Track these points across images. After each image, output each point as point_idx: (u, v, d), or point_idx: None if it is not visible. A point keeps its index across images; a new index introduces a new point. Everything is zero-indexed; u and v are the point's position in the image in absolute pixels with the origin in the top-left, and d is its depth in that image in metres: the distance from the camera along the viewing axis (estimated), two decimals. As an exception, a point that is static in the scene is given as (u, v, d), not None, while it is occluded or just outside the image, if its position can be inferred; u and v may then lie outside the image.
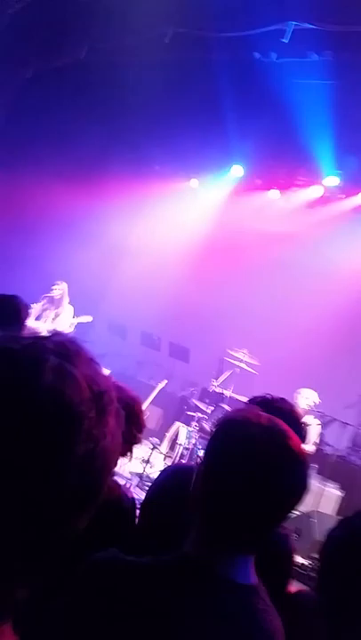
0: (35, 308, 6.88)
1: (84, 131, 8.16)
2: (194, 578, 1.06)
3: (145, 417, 2.07)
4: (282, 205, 8.93)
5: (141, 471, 6.32)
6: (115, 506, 1.71)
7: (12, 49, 7.43)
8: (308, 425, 6.05)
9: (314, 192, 8.53)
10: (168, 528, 1.17)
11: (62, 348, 0.65)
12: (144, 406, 2.63)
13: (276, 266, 8.90)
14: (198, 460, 1.19)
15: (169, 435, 7.13)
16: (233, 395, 6.91)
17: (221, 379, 7.17)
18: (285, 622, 1.11)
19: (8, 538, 0.59)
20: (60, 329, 7.02)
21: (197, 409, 7.29)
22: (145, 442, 6.43)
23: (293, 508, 1.11)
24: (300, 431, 1.93)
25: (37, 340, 0.66)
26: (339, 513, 5.84)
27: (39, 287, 7.29)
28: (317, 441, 6.21)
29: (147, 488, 6.11)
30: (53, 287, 7.24)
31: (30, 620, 0.72)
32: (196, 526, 1.12)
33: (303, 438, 1.92)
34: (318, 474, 6.20)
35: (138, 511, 1.81)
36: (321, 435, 6.54)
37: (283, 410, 1.86)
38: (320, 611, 1.33)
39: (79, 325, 7.42)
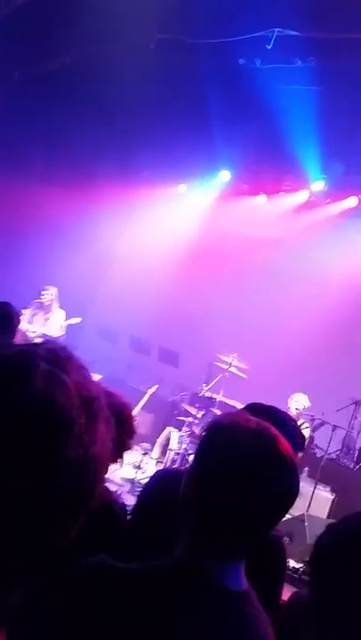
0: (25, 314, 6.86)
1: (72, 136, 8.15)
2: (184, 584, 1.06)
3: (135, 423, 2.07)
4: (269, 210, 8.98)
5: (133, 477, 6.30)
6: (105, 512, 1.70)
7: (0, 52, 7.42)
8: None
9: (300, 197, 8.59)
10: (158, 532, 1.17)
11: (53, 355, 0.66)
12: (134, 412, 2.63)
13: (264, 270, 8.94)
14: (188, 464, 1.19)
15: (160, 440, 7.12)
16: (223, 399, 6.91)
17: (212, 383, 7.17)
18: (277, 627, 1.12)
19: (8, 525, 0.59)
20: (50, 333, 7.02)
21: (188, 413, 7.29)
22: (136, 447, 6.41)
23: (284, 513, 1.11)
24: (299, 440, 1.93)
25: (28, 346, 0.67)
26: (330, 516, 5.85)
27: (29, 292, 7.27)
28: (307, 444, 6.24)
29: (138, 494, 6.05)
30: (43, 292, 7.23)
31: (22, 624, 0.72)
32: (186, 531, 1.12)
33: (300, 447, 1.92)
34: (309, 477, 6.21)
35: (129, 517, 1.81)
36: (312, 438, 6.57)
37: (281, 418, 1.86)
38: (310, 616, 1.33)
39: (69, 330, 7.41)
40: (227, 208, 9.21)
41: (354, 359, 7.78)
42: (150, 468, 6.78)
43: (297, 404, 6.32)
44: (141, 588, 1.04)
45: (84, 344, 7.52)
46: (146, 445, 7.30)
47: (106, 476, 0.81)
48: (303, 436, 1.94)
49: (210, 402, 7.03)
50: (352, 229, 8.09)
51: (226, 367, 6.99)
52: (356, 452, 6.88)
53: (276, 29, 6.49)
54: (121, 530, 1.72)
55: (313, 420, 6.48)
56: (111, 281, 9.99)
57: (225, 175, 8.89)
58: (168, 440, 6.80)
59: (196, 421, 6.98)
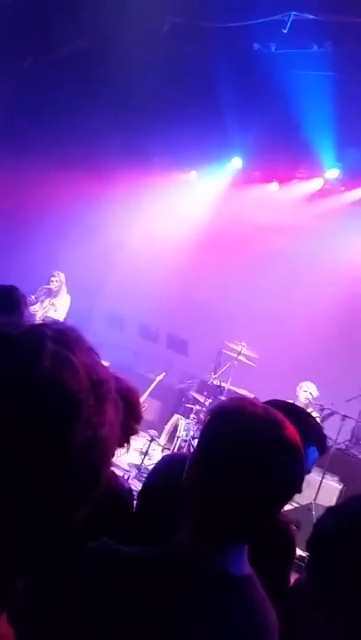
0: (33, 299, 6.89)
1: (83, 123, 8.10)
2: (187, 568, 1.05)
3: (143, 408, 2.06)
4: (282, 198, 8.90)
5: (140, 463, 6.33)
6: (112, 496, 1.70)
7: (9, 40, 7.36)
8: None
9: (314, 185, 8.50)
10: (164, 517, 1.16)
11: (61, 336, 0.64)
12: (142, 398, 2.62)
13: (275, 258, 8.88)
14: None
15: (167, 427, 7.14)
16: (232, 387, 6.90)
17: (220, 371, 7.16)
18: (282, 613, 1.11)
19: (8, 526, 0.58)
20: (56, 317, 7.05)
21: (196, 401, 7.30)
22: (143, 434, 6.44)
23: (288, 498, 1.09)
24: (324, 443, 1.91)
25: (36, 326, 0.65)
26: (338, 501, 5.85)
27: (38, 277, 7.29)
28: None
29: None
30: (52, 278, 7.24)
31: (25, 616, 0.71)
32: (189, 515, 1.11)
33: (324, 450, 1.90)
34: (317, 466, 6.21)
35: (135, 502, 1.81)
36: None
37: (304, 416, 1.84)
38: (308, 599, 1.32)
39: (77, 318, 7.41)
40: (238, 195, 9.13)
41: (365, 349, 7.74)
42: (157, 454, 6.80)
43: (306, 393, 6.31)
44: (143, 573, 1.03)
45: (93, 330, 7.54)
46: (153, 432, 7.32)
47: (112, 460, 0.80)
48: (326, 439, 1.91)
49: (218, 390, 7.02)
50: (366, 218, 8.02)
51: (235, 355, 6.97)
52: (365, 442, 6.86)
53: (293, 13, 6.37)
54: (127, 514, 1.72)
55: (322, 409, 6.46)
56: (121, 268, 9.98)
57: (237, 162, 8.81)
58: (176, 427, 6.82)
59: (204, 409, 6.98)
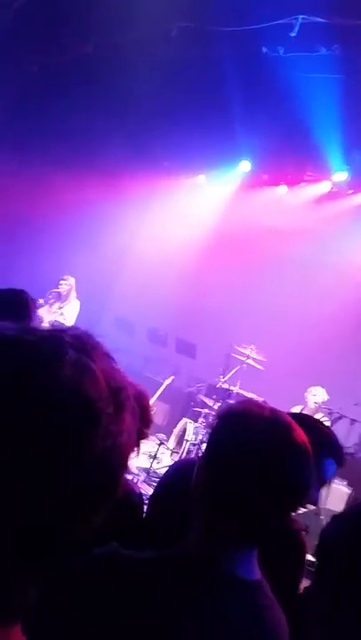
0: (42, 302, 6.90)
1: (90, 127, 8.14)
2: (195, 572, 1.05)
3: (152, 412, 2.06)
4: (290, 201, 8.88)
5: (149, 466, 6.33)
6: (122, 501, 1.70)
7: (17, 43, 7.42)
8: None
9: (322, 187, 8.48)
10: (174, 522, 1.16)
11: (80, 342, 0.64)
12: (151, 402, 2.62)
13: (283, 261, 8.86)
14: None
15: (176, 431, 7.13)
16: (240, 391, 6.89)
17: (229, 375, 7.15)
18: (292, 619, 1.10)
19: (24, 536, 0.57)
20: (64, 322, 7.05)
21: (204, 405, 7.28)
22: (152, 438, 6.43)
23: (297, 502, 1.09)
24: (342, 458, 1.91)
25: (55, 332, 0.65)
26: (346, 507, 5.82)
27: (46, 282, 7.31)
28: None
29: (154, 483, 6.10)
30: (61, 282, 7.25)
31: (32, 619, 0.71)
32: (198, 519, 1.10)
33: (342, 462, 1.90)
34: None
35: (145, 507, 1.81)
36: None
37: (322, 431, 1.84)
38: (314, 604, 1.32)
39: (85, 322, 7.41)
40: (246, 198, 9.13)
41: (374, 352, 7.70)
42: (166, 458, 6.80)
43: (315, 397, 6.28)
44: (150, 577, 1.03)
45: (102, 334, 7.53)
46: (162, 436, 7.32)
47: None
48: (343, 450, 1.91)
49: (227, 393, 7.01)
50: (374, 220, 7.99)
51: (244, 359, 6.96)
52: (374, 446, 6.81)
53: (301, 16, 6.37)
54: (138, 519, 1.72)
55: (331, 413, 6.43)
56: (129, 272, 10.00)
57: (245, 165, 8.81)
58: (184, 431, 6.81)
59: (213, 413, 6.97)
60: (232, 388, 6.91)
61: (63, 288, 7.21)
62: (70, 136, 8.27)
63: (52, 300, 7.22)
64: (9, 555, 0.57)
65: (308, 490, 1.10)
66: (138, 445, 1.97)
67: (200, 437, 6.58)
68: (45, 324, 6.80)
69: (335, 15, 6.20)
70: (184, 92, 7.62)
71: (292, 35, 6.59)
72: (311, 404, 6.27)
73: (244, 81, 7.21)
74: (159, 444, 6.57)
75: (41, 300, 6.85)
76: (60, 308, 7.23)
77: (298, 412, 6.35)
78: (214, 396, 7.38)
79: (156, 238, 9.72)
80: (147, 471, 6.30)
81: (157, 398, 7.13)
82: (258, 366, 6.99)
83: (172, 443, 7.04)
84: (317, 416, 6.32)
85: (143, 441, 2.03)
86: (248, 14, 6.51)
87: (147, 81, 7.38)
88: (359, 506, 1.10)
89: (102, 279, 9.36)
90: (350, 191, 8.30)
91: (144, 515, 1.74)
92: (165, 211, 9.57)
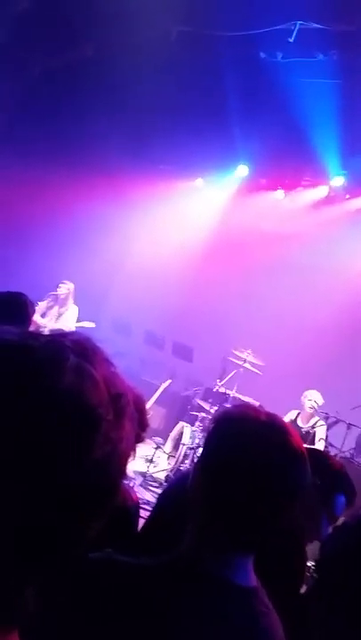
0: (40, 306, 6.87)
1: (87, 130, 8.15)
2: (190, 578, 1.04)
3: (149, 416, 2.05)
4: (287, 205, 8.91)
5: (145, 471, 6.32)
6: (118, 508, 1.69)
7: (18, 46, 7.43)
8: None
9: (319, 192, 8.51)
10: (177, 532, 1.16)
11: (80, 347, 0.63)
12: (148, 405, 2.61)
13: (280, 265, 8.87)
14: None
15: (173, 434, 7.12)
16: (237, 395, 6.89)
17: (226, 379, 7.15)
18: (290, 625, 1.09)
19: (23, 543, 0.57)
20: (62, 327, 7.03)
21: (201, 408, 7.28)
22: (148, 441, 6.42)
23: (294, 507, 1.09)
24: (353, 495, 1.92)
25: (56, 337, 0.64)
26: (344, 515, 5.80)
27: (44, 285, 7.30)
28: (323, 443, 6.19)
29: (150, 487, 6.08)
30: (60, 285, 7.23)
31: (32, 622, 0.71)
32: (193, 524, 1.10)
33: (353, 499, 1.92)
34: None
35: (141, 511, 1.81)
36: (326, 436, 6.51)
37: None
38: (324, 611, 1.32)
39: (84, 328, 7.39)
40: (244, 203, 9.15)
41: (370, 357, 7.71)
42: (162, 461, 6.79)
43: (311, 402, 6.27)
44: (146, 583, 1.02)
45: (99, 337, 7.52)
46: (158, 439, 7.31)
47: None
48: (355, 489, 1.93)
49: (223, 397, 7.01)
50: (372, 225, 8.02)
51: (240, 363, 6.96)
52: (371, 451, 6.81)
53: (299, 22, 6.41)
54: (133, 524, 1.71)
55: (327, 417, 6.43)
56: (127, 275, 10.00)
57: (243, 169, 8.83)
58: (181, 435, 6.80)
59: (210, 416, 6.96)
60: (229, 391, 6.91)
61: (62, 291, 7.20)
62: (68, 139, 8.27)
63: (51, 304, 7.20)
64: (9, 555, 0.57)
65: (305, 492, 1.09)
66: (134, 449, 1.96)
67: (197, 441, 6.57)
68: (44, 330, 6.78)
69: (333, 21, 6.24)
70: (182, 95, 7.65)
71: (290, 40, 6.63)
72: (307, 409, 6.27)
73: (242, 85, 7.24)
74: (156, 448, 6.56)
75: (40, 303, 6.83)
76: (60, 314, 7.20)
77: (294, 416, 6.38)
78: (211, 400, 7.38)
79: (153, 241, 9.73)
80: (143, 475, 6.29)
81: (154, 402, 7.12)
82: (255, 370, 6.99)
83: (168, 446, 7.03)
84: (313, 420, 6.33)
85: (139, 445, 2.02)
86: (247, 19, 6.55)
87: (145, 84, 7.40)
88: (357, 518, 1.10)
89: (100, 282, 9.35)
90: (347, 196, 8.33)
91: (147, 521, 1.73)
92: (163, 214, 9.58)
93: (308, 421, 6.31)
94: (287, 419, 6.17)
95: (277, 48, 6.97)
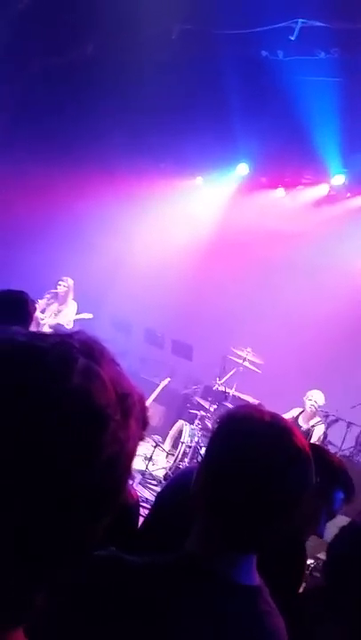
0: (40, 304, 6.88)
1: (88, 128, 8.14)
2: (193, 577, 1.04)
3: (149, 414, 2.04)
4: (287, 204, 8.90)
5: (144, 469, 6.32)
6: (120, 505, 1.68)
7: (18, 45, 7.42)
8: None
9: (320, 191, 8.50)
10: (177, 529, 1.16)
11: (87, 348, 0.64)
12: (147, 403, 2.61)
13: (281, 264, 8.88)
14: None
15: (172, 432, 7.12)
16: (236, 393, 6.89)
17: (225, 377, 7.15)
18: (291, 624, 1.10)
19: (30, 542, 0.58)
20: (62, 323, 7.05)
21: (201, 407, 7.28)
22: (148, 439, 6.42)
23: (296, 505, 1.09)
24: (352, 494, 1.93)
25: (64, 338, 0.65)
26: (343, 513, 5.81)
27: (44, 283, 7.30)
28: (322, 441, 6.20)
29: (149, 485, 6.08)
30: (60, 282, 7.25)
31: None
32: (198, 524, 1.10)
33: (352, 496, 1.93)
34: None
35: (140, 509, 1.80)
36: (325, 434, 6.52)
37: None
38: (325, 612, 1.32)
39: (82, 322, 7.42)
40: (244, 201, 9.15)
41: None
42: (161, 460, 6.79)
43: (312, 401, 6.28)
44: (148, 582, 1.02)
45: (99, 336, 7.51)
46: (157, 438, 7.31)
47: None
48: (353, 484, 1.94)
49: (223, 396, 7.01)
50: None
51: (240, 361, 6.96)
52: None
53: (301, 20, 6.39)
54: (133, 522, 1.71)
55: (327, 416, 6.44)
56: (126, 273, 10.00)
57: (243, 168, 8.82)
58: (180, 433, 6.81)
59: (209, 415, 6.97)
60: (228, 390, 6.92)
61: (61, 289, 7.22)
62: (69, 138, 8.27)
63: (51, 301, 7.21)
64: (9, 555, 0.57)
65: (310, 492, 1.09)
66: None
67: (196, 439, 6.57)
68: (45, 327, 6.80)
69: (334, 19, 6.23)
70: (183, 93, 7.63)
71: (292, 38, 6.62)
72: (308, 408, 6.28)
73: (244, 84, 7.22)
74: (155, 446, 6.57)
75: (40, 301, 6.85)
76: (59, 310, 7.22)
77: (296, 414, 6.39)
78: (210, 398, 7.38)
79: (153, 240, 9.73)
80: (142, 473, 6.29)
81: (153, 400, 7.12)
82: (254, 369, 6.99)
83: (167, 444, 7.04)
84: (314, 419, 6.33)
85: (139, 443, 2.01)
86: (248, 18, 6.53)
87: (146, 82, 7.38)
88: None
89: (100, 280, 9.35)
90: (348, 194, 8.32)
91: (146, 519, 1.73)
92: (163, 212, 9.57)
93: (309, 421, 6.32)
94: (289, 416, 6.18)
95: (279, 46, 6.96)
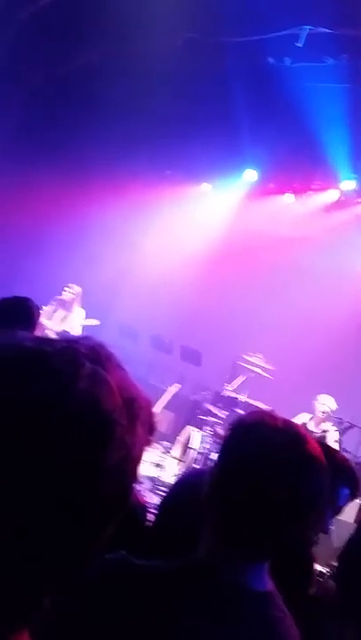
0: (45, 310, 6.89)
1: (95, 136, 8.20)
2: (204, 583, 1.04)
3: (156, 420, 2.03)
4: (297, 209, 8.89)
5: (153, 475, 6.30)
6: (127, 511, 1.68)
7: (22, 54, 7.49)
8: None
9: (329, 196, 8.49)
10: (183, 533, 1.15)
11: (95, 354, 0.64)
12: (156, 409, 2.61)
13: (290, 270, 8.85)
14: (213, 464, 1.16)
15: (181, 439, 7.10)
16: (247, 399, 6.85)
17: (235, 383, 7.12)
18: (303, 629, 1.08)
19: (30, 542, 0.58)
20: (68, 331, 7.06)
21: (210, 413, 7.25)
22: (157, 446, 6.41)
23: (310, 513, 1.08)
24: (355, 481, 1.92)
25: (70, 343, 0.65)
26: (358, 521, 5.74)
27: (50, 290, 7.33)
28: (336, 448, 6.14)
29: (159, 492, 6.05)
30: (65, 289, 7.26)
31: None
32: (209, 530, 1.09)
33: (358, 491, 1.92)
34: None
35: (149, 515, 1.80)
36: (339, 441, 6.45)
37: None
38: (342, 616, 1.30)
39: (89, 329, 7.44)
40: (253, 207, 9.15)
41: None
42: (171, 466, 6.76)
43: (323, 406, 6.22)
44: (158, 587, 1.02)
45: (106, 342, 7.52)
46: (166, 444, 7.29)
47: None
48: (359, 482, 1.93)
49: (232, 402, 6.98)
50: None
51: (250, 367, 6.93)
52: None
53: (307, 27, 6.41)
54: (140, 528, 1.71)
55: (341, 422, 6.37)
56: (134, 279, 10.02)
57: (251, 174, 8.83)
58: (189, 439, 6.78)
59: (219, 421, 6.94)
60: (238, 396, 6.88)
61: (67, 296, 7.22)
62: (74, 146, 8.33)
63: (57, 307, 7.22)
64: (9, 554, 0.57)
65: (323, 500, 1.08)
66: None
67: (206, 446, 6.55)
68: (50, 333, 6.81)
69: (341, 25, 6.24)
70: (190, 101, 7.67)
71: (299, 45, 6.63)
72: (319, 413, 6.21)
73: (251, 91, 7.25)
74: (164, 453, 6.55)
75: (45, 308, 6.86)
76: (65, 317, 7.23)
77: (307, 419, 6.34)
78: (220, 405, 7.35)
79: (161, 246, 9.75)
80: (151, 479, 6.27)
81: (162, 406, 7.11)
82: (265, 375, 6.95)
83: (176, 451, 7.01)
84: (326, 425, 6.27)
85: (148, 449, 2.01)
86: (254, 25, 6.56)
87: (152, 91, 7.43)
88: None
89: (107, 286, 9.38)
90: (359, 199, 8.29)
91: (151, 524, 1.73)
92: (171, 219, 9.60)
93: (319, 426, 6.26)
94: (299, 421, 6.13)
95: (286, 53, 6.98)
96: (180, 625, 0.99)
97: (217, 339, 8.71)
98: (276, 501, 1.03)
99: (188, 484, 1.57)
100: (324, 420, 6.25)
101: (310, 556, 1.73)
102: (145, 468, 6.21)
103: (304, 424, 6.22)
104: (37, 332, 3.19)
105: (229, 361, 7.43)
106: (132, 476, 0.64)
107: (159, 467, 6.39)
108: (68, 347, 0.63)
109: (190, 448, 6.55)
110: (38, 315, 3.13)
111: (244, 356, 7.02)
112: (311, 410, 6.30)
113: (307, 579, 1.62)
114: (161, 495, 6.00)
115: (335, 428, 6.23)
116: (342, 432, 6.38)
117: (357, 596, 1.21)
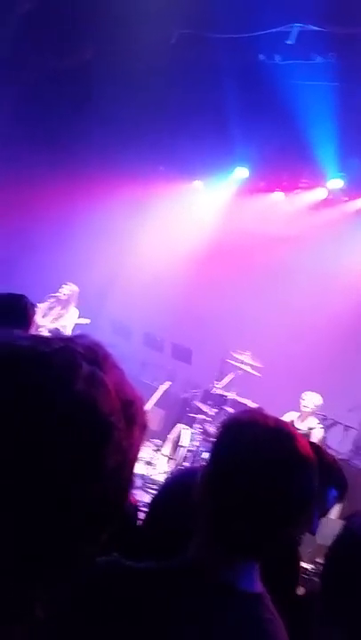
0: (40, 308, 6.85)
1: (88, 132, 8.16)
2: (195, 584, 1.04)
3: (148, 418, 2.03)
4: (285, 208, 8.91)
5: (144, 473, 6.30)
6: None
7: (19, 48, 7.44)
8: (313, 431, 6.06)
9: (317, 194, 8.52)
10: (173, 533, 1.15)
11: (92, 354, 0.63)
12: (147, 407, 2.61)
13: (279, 268, 8.88)
14: (203, 462, 1.16)
15: (171, 436, 7.11)
16: (235, 397, 6.88)
17: (224, 381, 7.14)
18: (291, 629, 1.09)
19: (30, 541, 0.58)
20: (61, 329, 7.03)
21: (200, 411, 7.27)
22: (147, 444, 6.41)
23: (301, 513, 1.08)
24: (344, 489, 1.92)
25: (68, 343, 0.64)
26: (341, 517, 5.80)
27: (43, 287, 7.29)
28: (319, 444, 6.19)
29: (149, 490, 6.05)
30: (62, 286, 7.23)
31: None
32: (200, 530, 1.09)
33: (345, 493, 1.92)
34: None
35: (141, 514, 1.80)
36: (323, 438, 6.51)
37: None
38: (325, 616, 1.31)
39: (81, 327, 7.41)
40: (243, 205, 9.16)
41: (368, 358, 7.71)
42: (161, 464, 6.77)
43: (309, 402, 6.27)
44: (149, 587, 1.02)
45: (98, 339, 7.50)
46: (157, 442, 7.30)
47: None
48: (346, 481, 1.93)
49: (222, 399, 7.00)
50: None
51: (239, 365, 6.95)
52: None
53: (298, 25, 6.43)
54: (132, 527, 1.71)
55: (325, 419, 6.43)
56: (126, 277, 10.00)
57: (242, 172, 8.83)
58: (179, 437, 6.79)
59: (209, 419, 6.96)
60: (227, 394, 6.90)
61: (61, 293, 7.19)
62: (65, 142, 8.28)
63: (53, 305, 7.18)
64: (8, 554, 0.57)
65: (314, 499, 1.09)
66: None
67: (196, 444, 6.56)
68: (43, 331, 6.78)
69: (332, 24, 6.26)
70: (181, 98, 7.66)
71: (289, 43, 6.65)
72: (305, 410, 6.26)
73: (241, 88, 7.25)
74: (154, 451, 6.56)
75: (40, 305, 6.82)
76: (60, 315, 7.20)
77: (294, 418, 6.38)
78: (210, 402, 7.37)
79: (152, 244, 9.73)
80: (142, 477, 6.27)
81: (153, 404, 7.12)
82: (254, 372, 6.98)
83: (167, 449, 7.02)
84: (312, 421, 6.32)
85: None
86: (246, 22, 6.57)
87: (145, 86, 7.41)
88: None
89: (99, 284, 9.35)
90: (346, 198, 8.33)
91: (141, 523, 1.73)
92: (162, 216, 9.58)
93: (304, 422, 6.30)
94: (287, 419, 6.16)
95: (276, 50, 6.99)
96: (171, 625, 0.99)
97: (208, 336, 8.72)
98: (268, 502, 1.03)
99: (178, 484, 1.57)
100: (309, 417, 6.30)
101: (298, 556, 1.74)
102: (136, 466, 6.21)
103: (292, 422, 6.26)
104: (32, 330, 3.17)
105: (219, 359, 7.44)
106: (128, 479, 0.64)
107: (150, 464, 6.40)
108: (65, 347, 0.62)
109: (180, 446, 6.57)
110: (33, 312, 3.11)
111: (233, 354, 7.04)
112: (296, 407, 6.35)
113: (295, 579, 1.63)
114: (151, 493, 6.01)
115: (321, 426, 6.28)
116: (326, 429, 6.44)
117: (345, 596, 1.22)
